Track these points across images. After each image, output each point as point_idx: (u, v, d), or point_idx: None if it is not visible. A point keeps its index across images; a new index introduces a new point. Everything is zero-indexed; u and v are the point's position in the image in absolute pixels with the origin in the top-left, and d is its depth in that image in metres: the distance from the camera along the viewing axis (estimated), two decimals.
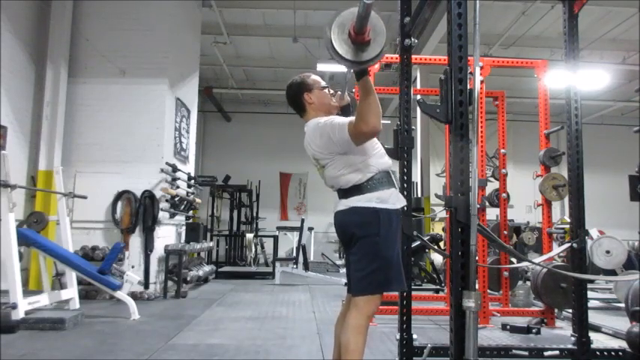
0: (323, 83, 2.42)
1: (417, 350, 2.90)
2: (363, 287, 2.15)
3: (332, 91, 2.44)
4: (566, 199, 3.43)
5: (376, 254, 2.13)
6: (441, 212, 10.06)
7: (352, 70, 2.02)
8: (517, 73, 10.54)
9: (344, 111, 2.45)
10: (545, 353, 3.08)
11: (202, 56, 8.99)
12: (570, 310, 3.61)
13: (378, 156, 2.26)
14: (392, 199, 2.21)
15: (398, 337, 2.85)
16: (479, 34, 1.87)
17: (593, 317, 4.34)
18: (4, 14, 5.89)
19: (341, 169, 2.22)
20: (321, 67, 9.34)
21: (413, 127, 3.03)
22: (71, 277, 4.90)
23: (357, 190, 2.21)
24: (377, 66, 4.67)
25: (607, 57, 9.79)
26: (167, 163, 6.59)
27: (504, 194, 5.02)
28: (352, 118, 2.10)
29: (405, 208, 2.42)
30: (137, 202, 6.28)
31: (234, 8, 8.65)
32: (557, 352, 3.07)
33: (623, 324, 4.03)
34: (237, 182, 11.01)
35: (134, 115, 6.52)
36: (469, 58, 1.90)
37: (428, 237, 6.98)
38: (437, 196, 9.51)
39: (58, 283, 5.69)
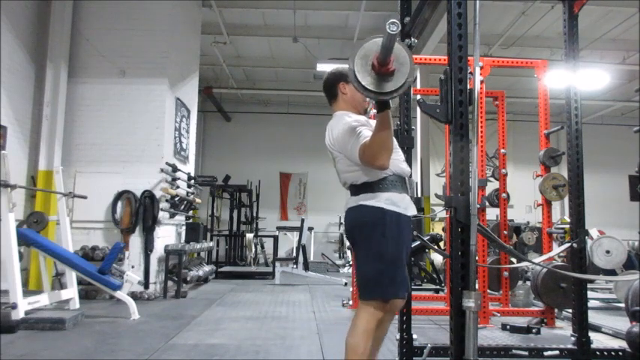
0: None
1: (417, 350, 2.90)
2: (370, 290, 2.12)
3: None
4: (566, 199, 3.43)
5: (382, 256, 2.10)
6: (441, 212, 10.05)
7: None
8: (517, 73, 10.55)
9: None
10: (545, 353, 3.08)
11: (202, 56, 8.99)
12: (570, 310, 3.61)
13: (396, 159, 2.22)
14: (403, 204, 2.18)
15: (398, 337, 2.85)
16: (479, 34, 1.87)
17: (593, 317, 4.34)
18: (4, 14, 5.89)
19: (352, 165, 2.19)
20: (321, 67, 9.35)
21: (413, 127, 3.02)
22: (71, 277, 4.90)
23: (367, 188, 2.18)
24: None
25: (607, 57, 9.79)
26: (167, 163, 6.60)
27: (504, 194, 5.01)
28: (367, 140, 2.06)
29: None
30: (137, 202, 6.28)
31: (234, 8, 8.65)
32: (557, 352, 3.07)
33: (623, 324, 4.03)
34: (237, 182, 11.01)
35: (134, 115, 6.52)
36: (469, 58, 1.90)
37: (428, 237, 6.97)
38: (437, 196, 9.51)
39: (58, 283, 5.69)
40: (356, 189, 2.22)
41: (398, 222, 2.14)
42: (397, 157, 2.23)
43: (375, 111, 2.04)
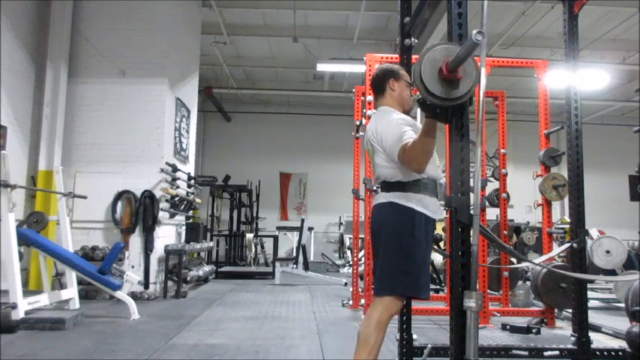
0: (409, 80, 2.47)
1: (417, 350, 2.89)
2: (392, 286, 2.16)
3: (413, 91, 2.47)
4: (566, 199, 3.43)
5: (407, 255, 2.14)
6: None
7: (423, 106, 1.99)
8: (517, 73, 10.54)
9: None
10: (545, 353, 3.08)
11: (202, 56, 8.99)
12: (570, 310, 3.61)
13: (432, 164, 2.25)
14: (432, 207, 2.22)
15: (398, 337, 2.85)
16: (485, 38, 1.85)
17: (593, 317, 4.34)
18: (4, 14, 5.89)
19: (391, 162, 2.23)
20: (321, 67, 9.36)
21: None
22: (71, 277, 4.90)
23: (400, 186, 2.22)
24: (377, 66, 4.66)
25: (607, 57, 9.78)
26: (167, 163, 6.59)
27: (504, 194, 5.02)
28: (409, 140, 2.11)
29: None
30: (137, 202, 6.28)
31: (234, 8, 8.64)
32: (557, 352, 3.07)
33: (623, 324, 4.03)
34: (237, 182, 11.01)
35: (134, 115, 6.52)
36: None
37: None
38: None
39: (58, 283, 5.69)
40: (388, 186, 2.26)
41: (426, 224, 2.18)
42: (433, 161, 2.27)
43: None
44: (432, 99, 1.78)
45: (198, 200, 7.94)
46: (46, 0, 6.56)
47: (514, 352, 3.12)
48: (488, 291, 4.97)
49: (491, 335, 4.09)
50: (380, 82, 2.47)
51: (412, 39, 2.92)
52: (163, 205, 6.50)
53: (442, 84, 1.76)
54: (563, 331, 4.32)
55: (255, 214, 11.50)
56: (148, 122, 6.53)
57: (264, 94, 12.69)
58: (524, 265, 4.63)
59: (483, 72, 1.81)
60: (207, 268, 7.83)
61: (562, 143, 10.34)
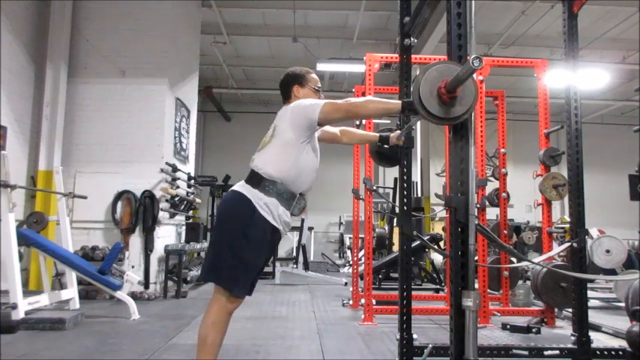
0: (318, 85, 2.50)
1: (417, 350, 2.89)
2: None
3: (322, 96, 2.49)
4: (566, 199, 3.43)
5: (232, 249, 2.22)
6: (441, 212, 10.07)
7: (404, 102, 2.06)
8: (517, 72, 10.54)
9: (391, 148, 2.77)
10: (546, 353, 3.08)
11: (202, 56, 8.99)
12: (570, 310, 3.61)
13: (304, 175, 2.29)
14: (276, 215, 2.26)
15: (398, 336, 2.85)
16: (474, 37, 1.86)
17: (593, 316, 4.34)
18: (4, 14, 5.88)
19: (276, 154, 2.31)
20: (321, 66, 9.36)
21: (413, 127, 3.02)
22: (71, 277, 4.90)
23: (258, 182, 2.31)
24: (377, 65, 4.67)
25: (607, 56, 9.79)
26: (167, 163, 6.59)
27: (504, 194, 5.01)
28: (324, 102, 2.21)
29: (284, 233, 2.41)
30: (137, 202, 6.27)
31: (234, 8, 8.65)
32: (557, 352, 3.07)
33: (623, 323, 4.03)
34: (237, 182, 10.99)
35: (134, 115, 6.52)
36: (468, 57, 1.89)
37: (428, 237, 6.99)
38: (437, 195, 9.52)
39: (58, 283, 5.69)
40: (250, 176, 2.50)
41: (264, 228, 2.32)
42: (308, 175, 2.36)
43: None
44: (431, 119, 1.80)
45: (198, 200, 7.94)
46: (46, 0, 6.56)
47: (514, 351, 3.12)
48: (489, 290, 4.97)
49: (491, 335, 4.09)
50: (285, 88, 2.51)
51: (412, 39, 2.91)
52: (163, 205, 6.50)
53: (440, 103, 1.77)
54: (563, 331, 4.32)
55: None
56: (148, 122, 6.52)
57: (264, 94, 12.69)
58: (524, 264, 4.63)
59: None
60: None
61: (562, 143, 10.32)
